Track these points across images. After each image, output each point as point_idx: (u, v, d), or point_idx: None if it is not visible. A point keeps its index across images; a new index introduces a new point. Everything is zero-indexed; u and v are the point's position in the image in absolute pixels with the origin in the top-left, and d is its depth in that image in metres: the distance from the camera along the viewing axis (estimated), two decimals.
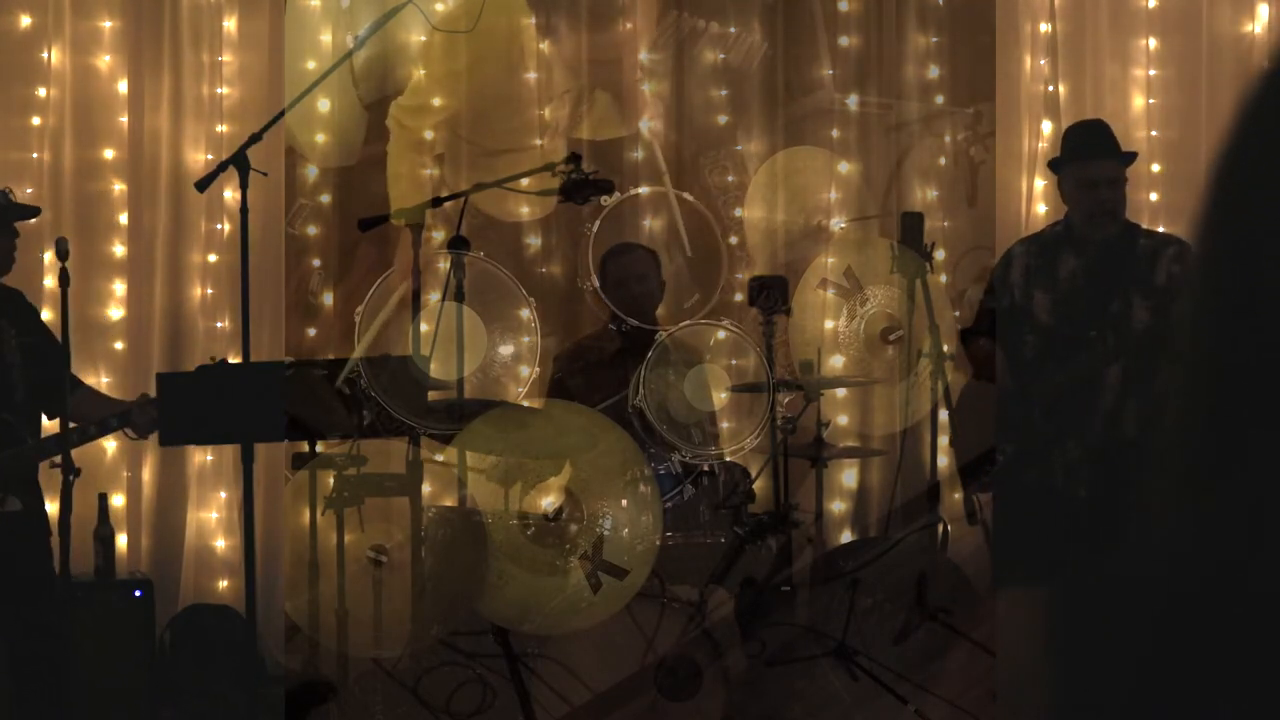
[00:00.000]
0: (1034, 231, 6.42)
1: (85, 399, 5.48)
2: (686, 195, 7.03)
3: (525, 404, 5.91)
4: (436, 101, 6.99)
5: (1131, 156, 5.97)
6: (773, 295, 5.82)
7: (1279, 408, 0.95)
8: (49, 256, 5.79)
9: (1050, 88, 7.21)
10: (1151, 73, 7.27)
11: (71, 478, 5.16)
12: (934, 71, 7.53)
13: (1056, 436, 5.73)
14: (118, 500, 6.36)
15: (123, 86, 6.54)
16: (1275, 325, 0.96)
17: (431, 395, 5.33)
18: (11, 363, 5.29)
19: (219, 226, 6.59)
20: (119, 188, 6.54)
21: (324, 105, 6.85)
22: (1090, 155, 5.81)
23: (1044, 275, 5.83)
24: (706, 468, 5.83)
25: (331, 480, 5.26)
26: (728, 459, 5.93)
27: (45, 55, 6.45)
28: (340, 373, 5.23)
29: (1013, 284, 5.89)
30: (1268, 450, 0.95)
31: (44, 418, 5.46)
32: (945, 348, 6.12)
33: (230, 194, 6.34)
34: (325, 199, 6.88)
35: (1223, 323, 0.99)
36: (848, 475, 7.31)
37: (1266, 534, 0.95)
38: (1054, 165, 6.01)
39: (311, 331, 6.86)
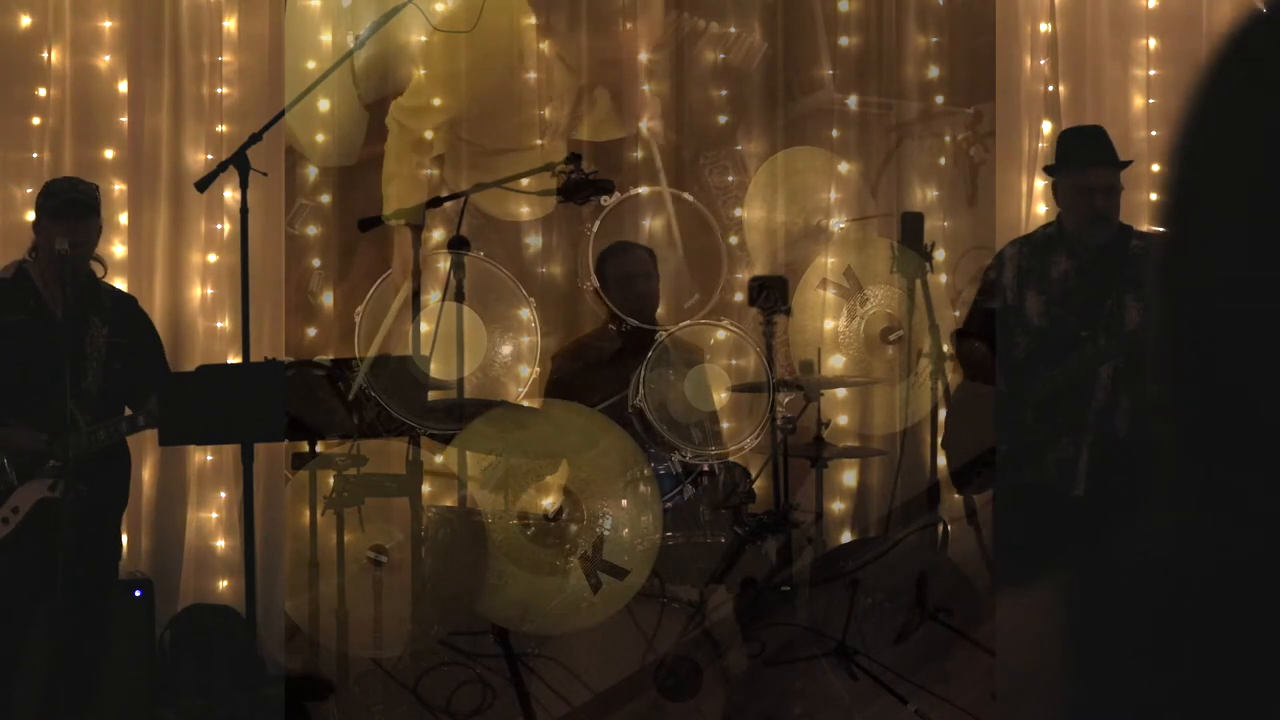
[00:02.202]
0: (1025, 233, 6.37)
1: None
2: (686, 195, 7.03)
3: (525, 404, 5.91)
4: (436, 101, 6.99)
5: (1127, 163, 5.96)
6: (773, 295, 5.81)
7: (1246, 403, 0.96)
8: None
9: (1050, 88, 7.21)
10: (1151, 73, 7.27)
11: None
12: (934, 71, 7.53)
13: (1050, 437, 5.71)
14: None
15: (123, 86, 6.54)
16: (1235, 319, 0.96)
17: (431, 395, 5.33)
18: (93, 358, 5.39)
19: (219, 226, 6.59)
20: (119, 188, 6.53)
21: (324, 105, 6.85)
22: (1088, 163, 5.78)
23: (1037, 277, 5.80)
24: (706, 468, 5.83)
25: (331, 480, 5.27)
26: (728, 459, 5.93)
27: (45, 55, 6.45)
28: (352, 382, 5.23)
29: (1006, 285, 5.85)
30: (1243, 447, 0.96)
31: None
32: (945, 348, 6.12)
33: (230, 194, 6.34)
34: (325, 199, 6.88)
35: (1184, 315, 0.99)
36: (848, 475, 7.31)
37: (1250, 529, 0.95)
38: (1050, 170, 5.98)
39: (311, 331, 6.86)
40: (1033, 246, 5.88)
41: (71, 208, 5.38)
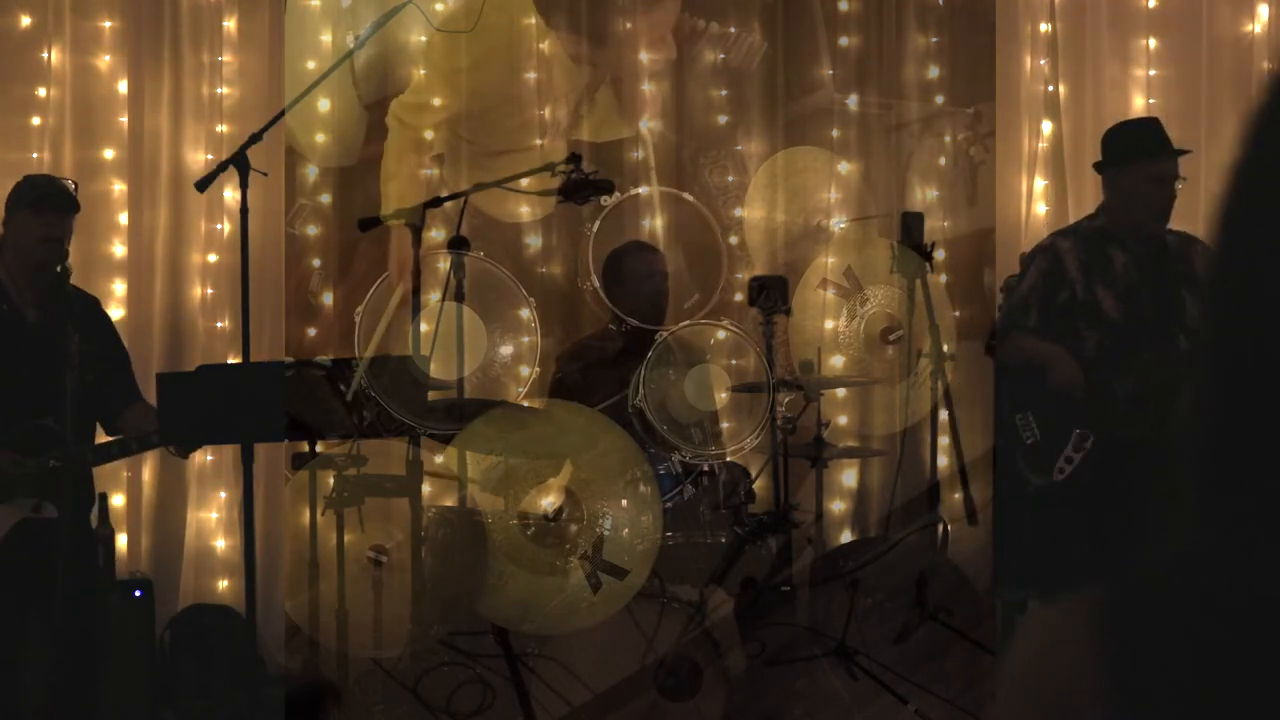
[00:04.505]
0: (1065, 227, 6.24)
1: (140, 413, 5.35)
2: (686, 195, 7.03)
3: (525, 404, 5.91)
4: (437, 101, 6.99)
5: (1186, 151, 5.93)
6: (773, 295, 5.81)
7: None
8: None
9: (1050, 88, 7.21)
10: (1151, 73, 7.27)
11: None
12: (934, 71, 7.53)
13: (1146, 433, 5.61)
14: (118, 500, 6.35)
15: (123, 86, 6.54)
16: None
17: (431, 395, 5.33)
18: (68, 368, 5.13)
19: (219, 226, 6.58)
20: (119, 188, 6.53)
21: (324, 105, 6.85)
22: (1160, 151, 5.76)
23: (1101, 271, 5.74)
24: (706, 468, 5.83)
25: (331, 480, 5.26)
26: (728, 459, 5.93)
27: (45, 55, 6.45)
28: (350, 384, 5.21)
29: (1073, 279, 5.75)
30: None
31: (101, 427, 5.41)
32: (945, 348, 6.11)
33: (230, 194, 6.34)
34: (325, 199, 6.88)
35: (1242, 325, 1.00)
36: (848, 475, 7.31)
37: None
38: (1105, 164, 5.87)
39: (311, 331, 6.85)
40: (1085, 240, 5.79)
41: (52, 201, 5.20)
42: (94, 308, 5.53)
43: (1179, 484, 1.02)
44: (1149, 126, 5.93)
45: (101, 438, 5.43)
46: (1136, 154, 5.76)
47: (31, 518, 5.10)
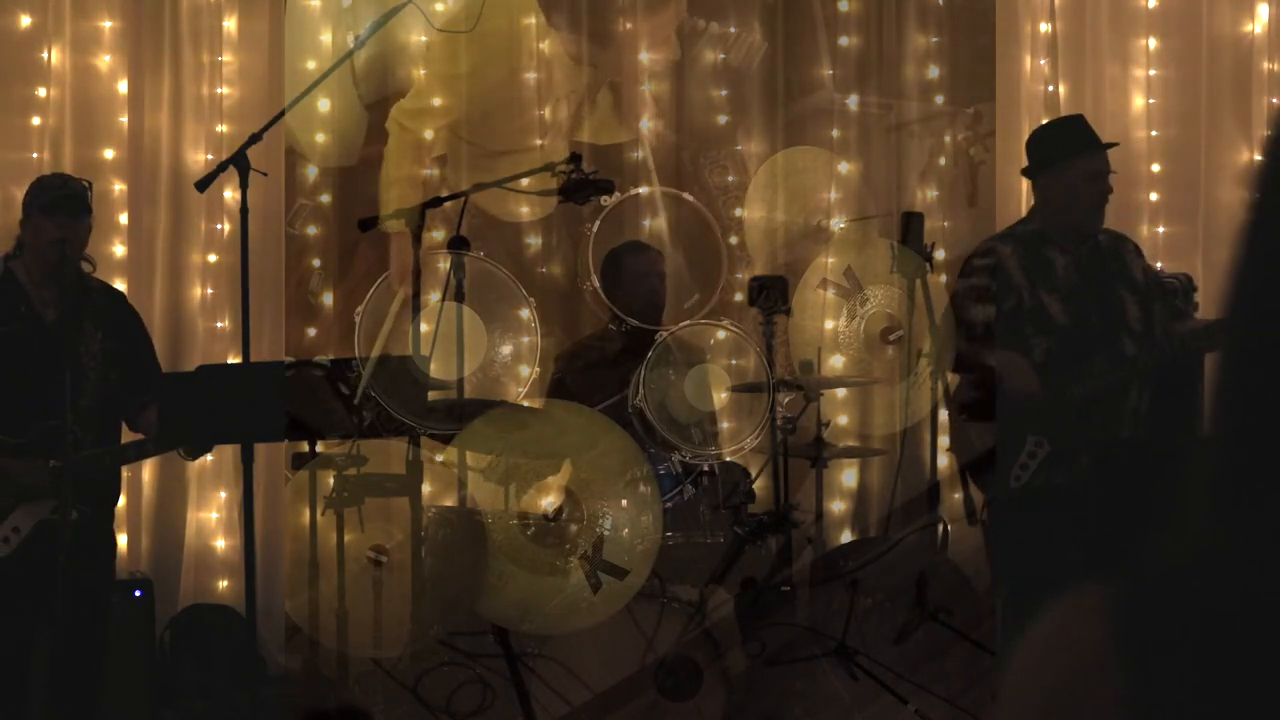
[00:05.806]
0: (1000, 233, 6.24)
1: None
2: (686, 195, 7.03)
3: (525, 404, 5.91)
4: (437, 102, 6.99)
5: (1114, 144, 5.96)
6: (773, 295, 5.81)
7: None
8: None
9: (1050, 88, 7.21)
10: (1151, 73, 7.27)
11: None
12: (934, 71, 7.53)
13: (1095, 437, 5.63)
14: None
15: (123, 86, 6.54)
16: None
17: (431, 395, 5.33)
18: (88, 367, 5.14)
19: (219, 226, 6.58)
20: (119, 188, 6.53)
21: (324, 105, 6.85)
22: (1092, 148, 5.76)
23: (1043, 276, 5.75)
24: (706, 468, 5.83)
25: (331, 480, 5.26)
26: (728, 459, 5.93)
27: (45, 55, 6.45)
28: (356, 386, 5.20)
29: (1017, 285, 5.75)
30: None
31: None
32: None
33: (230, 194, 6.34)
34: (325, 199, 6.88)
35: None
36: (848, 475, 7.31)
37: None
38: (1036, 168, 5.89)
39: (311, 331, 6.86)
40: (1024, 245, 5.80)
41: (66, 203, 5.21)
42: (119, 302, 5.53)
43: (1189, 485, 1.02)
44: (1076, 124, 5.94)
45: (128, 435, 5.42)
46: (1068, 152, 5.75)
47: (51, 519, 5.09)
